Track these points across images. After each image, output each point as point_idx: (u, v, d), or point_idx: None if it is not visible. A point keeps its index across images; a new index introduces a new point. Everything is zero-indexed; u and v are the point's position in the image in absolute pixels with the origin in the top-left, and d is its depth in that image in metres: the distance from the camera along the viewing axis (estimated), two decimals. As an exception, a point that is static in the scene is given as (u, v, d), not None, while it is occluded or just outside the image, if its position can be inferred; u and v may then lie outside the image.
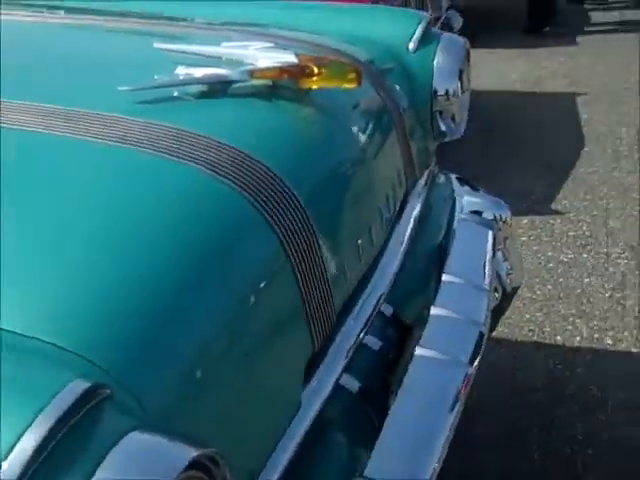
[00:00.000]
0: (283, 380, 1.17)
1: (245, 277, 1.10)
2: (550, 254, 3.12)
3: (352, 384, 1.33)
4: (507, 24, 6.14)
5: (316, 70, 1.31)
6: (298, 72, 1.31)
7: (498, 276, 1.84)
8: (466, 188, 2.01)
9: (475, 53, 3.65)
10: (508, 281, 1.92)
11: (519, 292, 2.55)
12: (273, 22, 1.80)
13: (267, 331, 1.13)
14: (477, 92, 3.77)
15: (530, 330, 2.65)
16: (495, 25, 5.98)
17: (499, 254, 1.86)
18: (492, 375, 2.27)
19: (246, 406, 1.05)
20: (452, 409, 1.32)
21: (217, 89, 1.30)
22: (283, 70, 1.31)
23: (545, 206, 3.46)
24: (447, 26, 3.36)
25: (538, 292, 2.86)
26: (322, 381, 1.25)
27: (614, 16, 6.41)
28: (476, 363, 1.42)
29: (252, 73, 1.31)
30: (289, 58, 1.31)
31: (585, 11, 6.63)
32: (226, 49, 1.40)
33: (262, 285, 1.12)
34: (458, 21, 3.66)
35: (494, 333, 1.98)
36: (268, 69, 1.31)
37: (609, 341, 2.62)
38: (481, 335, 1.49)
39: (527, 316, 2.72)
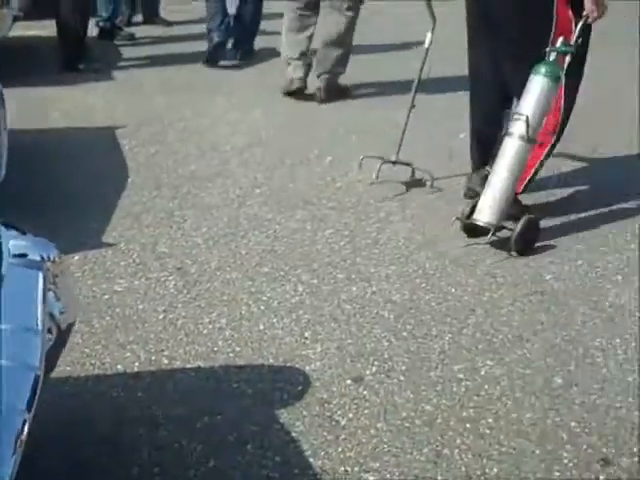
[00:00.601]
0: None
1: None
2: (105, 286, 3.22)
3: None
4: (42, 63, 6.14)
5: None
6: None
7: (51, 316, 1.89)
8: (12, 232, 2.02)
9: (11, 93, 3.64)
10: (62, 319, 1.97)
11: (77, 328, 2.62)
12: None
13: None
14: (15, 132, 3.76)
15: (91, 364, 2.72)
16: (29, 64, 5.95)
17: (50, 294, 1.90)
18: (57, 416, 2.30)
19: None
20: (12, 456, 1.35)
21: None
22: None
23: (96, 240, 3.54)
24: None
25: (96, 325, 2.94)
26: None
27: (144, 51, 6.72)
28: (34, 407, 1.46)
29: None
30: None
31: (116, 47, 6.85)
32: None
33: None
34: (-13, 62, 3.59)
35: (55, 373, 2.03)
36: None
37: (165, 361, 2.78)
38: (36, 379, 1.53)
39: (87, 350, 2.78)
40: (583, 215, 3.93)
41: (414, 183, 4.25)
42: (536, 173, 3.87)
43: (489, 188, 3.59)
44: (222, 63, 6.34)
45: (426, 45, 4.19)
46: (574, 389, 2.67)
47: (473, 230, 3.62)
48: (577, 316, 3.10)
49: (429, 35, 4.19)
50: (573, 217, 3.90)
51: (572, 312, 3.13)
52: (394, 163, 4.26)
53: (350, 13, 5.49)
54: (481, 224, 3.57)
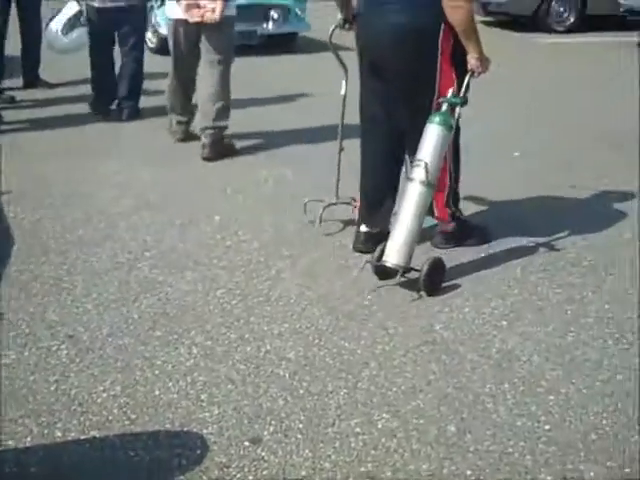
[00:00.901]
0: None
1: None
2: (-10, 359, 3.14)
3: None
4: None
5: None
6: None
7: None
8: None
9: None
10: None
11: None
12: None
13: None
14: None
15: (-23, 441, 2.65)
16: None
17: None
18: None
19: None
20: None
21: None
22: None
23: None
24: None
25: (-17, 400, 2.86)
26: None
27: (25, 114, 6.61)
28: None
29: None
30: None
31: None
32: None
33: None
34: None
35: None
36: None
37: (59, 433, 2.72)
38: None
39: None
40: (467, 260, 4.06)
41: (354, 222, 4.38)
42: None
43: (396, 231, 3.77)
44: (107, 122, 6.36)
45: (342, 92, 4.39)
46: (468, 437, 2.74)
47: (383, 272, 3.79)
48: (466, 363, 3.19)
49: (344, 83, 4.38)
50: (458, 263, 4.02)
51: (462, 360, 3.21)
52: (335, 204, 4.49)
53: (221, 67, 5.59)
54: (390, 265, 3.71)
